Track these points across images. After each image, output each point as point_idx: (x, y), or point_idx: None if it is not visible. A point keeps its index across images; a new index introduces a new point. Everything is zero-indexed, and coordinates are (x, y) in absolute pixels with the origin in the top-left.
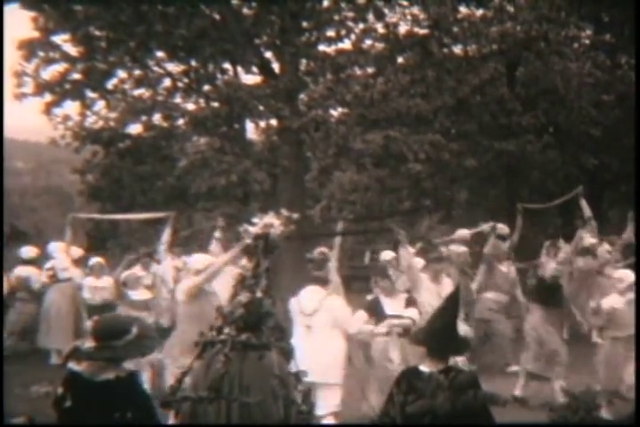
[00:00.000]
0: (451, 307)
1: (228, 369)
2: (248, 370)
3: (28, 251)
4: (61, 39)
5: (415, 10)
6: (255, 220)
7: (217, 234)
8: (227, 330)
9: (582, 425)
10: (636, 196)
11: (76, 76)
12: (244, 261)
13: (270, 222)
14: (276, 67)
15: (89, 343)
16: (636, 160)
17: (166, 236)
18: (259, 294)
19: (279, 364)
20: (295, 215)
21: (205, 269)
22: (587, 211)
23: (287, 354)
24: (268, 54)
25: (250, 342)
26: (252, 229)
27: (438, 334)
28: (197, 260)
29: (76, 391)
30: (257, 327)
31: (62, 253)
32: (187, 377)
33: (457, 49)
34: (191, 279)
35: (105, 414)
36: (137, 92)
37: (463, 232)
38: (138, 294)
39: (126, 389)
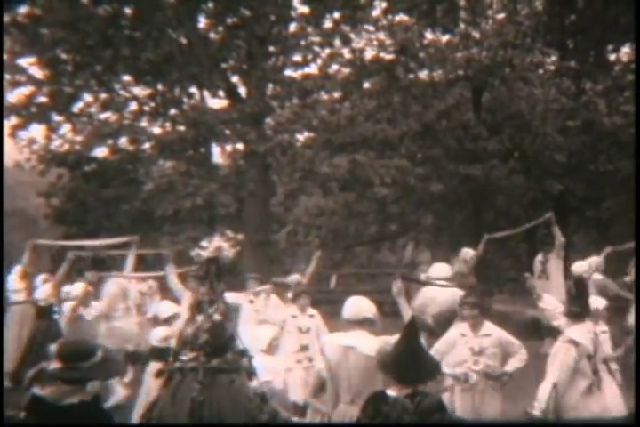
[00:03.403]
0: (410, 336)
1: (205, 397)
2: (220, 395)
3: None
4: (28, 62)
5: (381, 35)
6: (204, 244)
7: None
8: (184, 356)
9: (581, 425)
10: (636, 201)
11: (42, 99)
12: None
13: (220, 245)
14: (242, 91)
15: (55, 365)
16: (636, 166)
17: (131, 259)
18: (218, 318)
19: (249, 386)
20: (240, 236)
21: None
22: (559, 237)
23: (250, 375)
24: (235, 78)
25: (221, 368)
26: (204, 254)
27: (401, 364)
28: None
29: (40, 416)
30: (225, 352)
31: (16, 277)
32: (157, 406)
33: (423, 74)
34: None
35: None
36: (103, 116)
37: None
38: None
39: (90, 413)
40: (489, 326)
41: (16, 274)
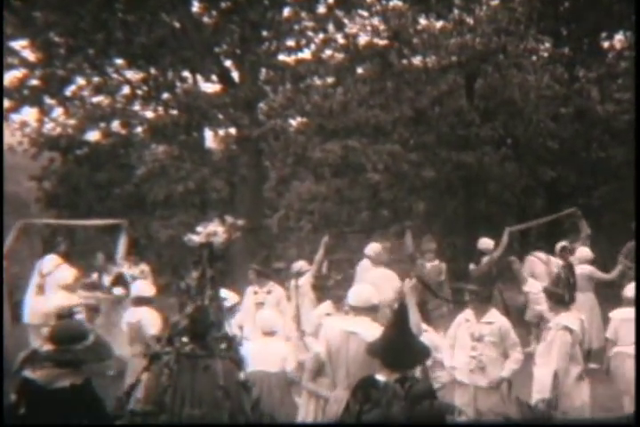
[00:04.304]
0: (400, 321)
1: (172, 382)
2: (198, 381)
3: None
4: (20, 45)
5: (375, 21)
6: (199, 228)
7: None
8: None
9: (580, 425)
10: (636, 198)
11: (35, 82)
12: None
13: (214, 231)
14: (235, 76)
15: (47, 347)
16: (637, 159)
17: (123, 244)
18: (203, 303)
19: (225, 374)
20: (240, 222)
21: None
22: (586, 230)
23: (237, 363)
24: (228, 63)
25: (195, 353)
26: (196, 239)
27: (390, 348)
28: None
29: (30, 399)
30: (204, 338)
31: None
32: (136, 390)
33: (416, 60)
34: None
35: (60, 422)
36: (95, 100)
37: None
38: None
39: (81, 397)
40: (494, 314)
41: None
